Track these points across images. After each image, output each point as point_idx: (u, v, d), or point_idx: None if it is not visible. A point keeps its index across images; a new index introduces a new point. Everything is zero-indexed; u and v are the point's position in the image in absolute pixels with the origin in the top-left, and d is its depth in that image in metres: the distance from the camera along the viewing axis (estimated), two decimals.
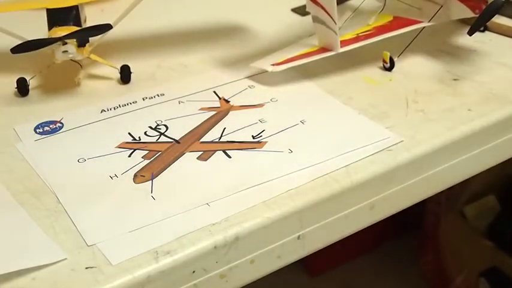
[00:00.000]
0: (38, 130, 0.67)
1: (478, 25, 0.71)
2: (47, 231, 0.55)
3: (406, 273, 1.15)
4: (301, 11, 0.85)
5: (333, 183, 0.59)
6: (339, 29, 0.71)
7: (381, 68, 0.74)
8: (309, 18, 0.76)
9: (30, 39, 0.69)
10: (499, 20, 0.79)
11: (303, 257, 0.59)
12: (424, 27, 0.74)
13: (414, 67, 0.74)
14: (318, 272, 1.20)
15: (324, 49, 0.72)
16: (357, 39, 0.73)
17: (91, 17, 0.75)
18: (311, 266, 1.20)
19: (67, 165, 0.62)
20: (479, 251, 1.03)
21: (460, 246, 1.06)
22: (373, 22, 0.76)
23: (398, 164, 0.61)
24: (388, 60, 0.73)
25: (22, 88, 0.72)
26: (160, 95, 0.72)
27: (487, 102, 0.68)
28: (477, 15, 0.70)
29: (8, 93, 0.73)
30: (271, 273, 0.58)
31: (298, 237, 0.57)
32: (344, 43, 0.72)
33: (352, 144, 0.62)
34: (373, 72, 0.74)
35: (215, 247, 0.53)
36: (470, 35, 0.71)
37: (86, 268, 0.51)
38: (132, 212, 0.56)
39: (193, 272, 0.53)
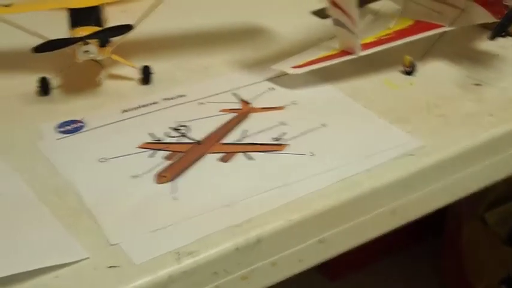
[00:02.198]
0: (59, 129, 0.67)
1: (499, 30, 0.71)
2: (69, 230, 0.55)
3: (425, 278, 1.15)
4: (321, 13, 0.85)
5: (355, 187, 0.59)
6: (360, 32, 0.71)
7: (401, 72, 0.74)
8: (329, 21, 0.76)
9: (52, 38, 0.69)
10: None
11: (324, 260, 0.59)
12: (445, 32, 0.74)
13: (435, 71, 0.74)
14: (338, 276, 1.19)
15: (344, 52, 0.72)
16: (378, 42, 0.73)
17: (112, 18, 0.75)
18: (331, 270, 1.20)
19: (89, 164, 0.62)
20: (500, 258, 1.02)
21: (480, 252, 1.06)
22: (394, 26, 0.75)
23: (420, 169, 0.61)
24: (409, 65, 0.73)
25: (44, 87, 0.72)
26: (181, 96, 0.72)
27: (508, 108, 0.68)
28: (498, 20, 0.70)
29: (30, 92, 0.73)
30: (290, 277, 0.58)
31: (320, 241, 0.57)
32: (365, 46, 0.72)
33: (374, 148, 0.62)
34: (394, 76, 0.74)
35: (237, 249, 0.53)
36: (492, 40, 0.71)
37: (109, 267, 0.52)
38: (154, 212, 0.56)
39: (215, 273, 0.53)
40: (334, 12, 0.72)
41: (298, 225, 0.56)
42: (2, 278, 0.50)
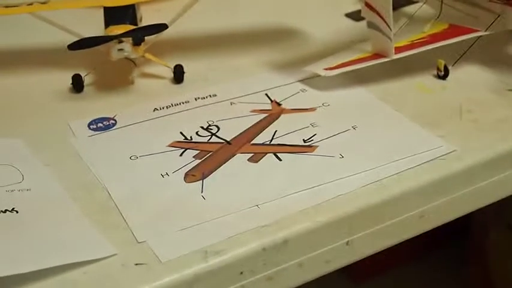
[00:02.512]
0: (91, 126, 0.68)
1: None
2: (98, 227, 0.55)
3: (450, 283, 1.14)
4: (354, 16, 0.85)
5: (384, 190, 0.58)
6: (394, 35, 0.71)
7: (434, 76, 0.73)
8: (362, 23, 0.76)
9: (86, 36, 0.70)
10: None
11: (351, 263, 0.59)
12: (479, 36, 0.73)
13: (468, 76, 0.73)
14: (363, 278, 1.19)
15: (377, 55, 0.72)
16: (411, 46, 0.72)
17: (147, 17, 0.76)
18: (355, 272, 1.19)
19: (119, 162, 0.63)
20: None
21: (506, 259, 1.05)
22: (428, 29, 0.75)
23: (451, 174, 0.61)
24: (442, 69, 0.73)
25: (77, 84, 0.73)
26: (213, 95, 0.72)
27: None
28: None
29: (63, 89, 0.74)
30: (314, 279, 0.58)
31: (347, 243, 0.57)
32: (398, 50, 0.71)
33: (404, 152, 0.62)
34: (427, 80, 0.73)
35: (264, 249, 0.53)
36: None
37: (136, 264, 0.52)
38: (182, 211, 0.57)
39: (241, 273, 0.53)
40: (368, 14, 0.72)
41: (326, 227, 0.56)
42: (30, 273, 0.50)
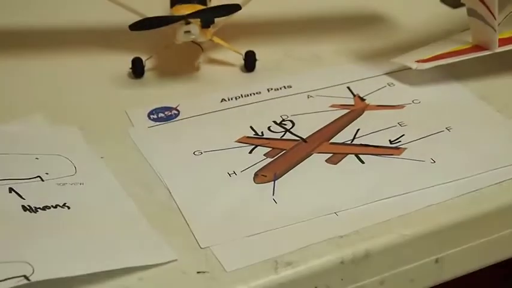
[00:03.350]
0: (152, 116, 0.69)
1: None
2: (156, 228, 0.56)
3: None
4: (452, 1, 0.85)
5: (483, 202, 0.58)
6: (498, 25, 0.70)
7: None
8: (461, 10, 0.76)
9: (150, 16, 0.71)
10: None
11: (439, 283, 0.58)
12: None
13: None
14: None
15: (478, 47, 0.72)
16: None
17: None
18: None
19: (182, 157, 0.64)
20: None
21: None
22: None
23: None
24: None
25: (137, 69, 0.74)
26: (288, 87, 0.73)
27: None
28: None
29: (122, 74, 0.75)
30: None
31: (437, 261, 0.57)
32: (502, 42, 0.71)
33: (506, 159, 0.62)
34: None
35: (342, 262, 0.54)
36: None
37: (198, 272, 0.53)
38: (250, 215, 0.57)
39: (315, 287, 0.53)
40: (469, 0, 0.71)
41: (414, 241, 0.56)
42: (80, 276, 0.51)
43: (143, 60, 0.74)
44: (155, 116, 0.69)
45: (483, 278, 0.62)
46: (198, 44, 0.75)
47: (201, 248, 0.54)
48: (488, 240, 0.59)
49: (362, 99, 0.70)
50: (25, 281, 0.50)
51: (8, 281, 0.50)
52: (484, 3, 0.70)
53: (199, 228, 0.56)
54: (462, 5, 0.74)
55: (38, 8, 0.86)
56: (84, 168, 0.62)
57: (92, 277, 0.52)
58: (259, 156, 0.63)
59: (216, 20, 0.74)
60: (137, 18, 0.71)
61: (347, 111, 0.69)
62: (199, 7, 0.72)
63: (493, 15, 0.69)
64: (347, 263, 0.54)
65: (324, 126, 0.67)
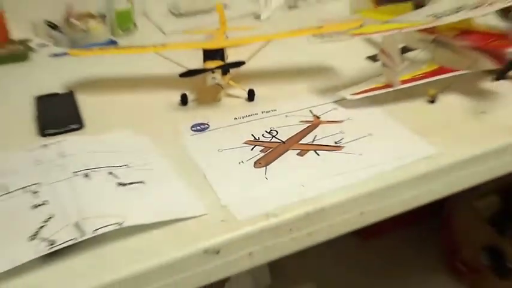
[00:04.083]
0: (193, 129, 0.68)
1: (501, 75, 0.70)
2: (196, 195, 0.57)
3: (430, 244, 1.13)
4: (373, 58, 0.84)
5: (389, 179, 0.58)
6: (400, 71, 0.71)
7: (427, 101, 0.72)
8: (378, 63, 0.76)
9: (191, 68, 0.71)
10: None
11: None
12: (461, 74, 0.72)
13: (452, 101, 0.72)
14: (370, 236, 1.17)
15: (388, 85, 0.71)
16: (413, 79, 0.72)
17: (231, 55, 0.77)
18: (365, 232, 1.15)
19: (211, 153, 0.63)
20: (483, 233, 1.01)
21: (469, 229, 1.04)
22: (425, 68, 0.74)
23: (436, 168, 0.61)
24: (432, 96, 0.72)
25: (184, 100, 0.74)
26: (273, 110, 0.72)
27: (505, 130, 0.66)
28: (500, 67, 0.69)
29: (174, 103, 0.74)
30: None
31: (361, 213, 0.58)
32: (403, 82, 0.71)
33: (403, 152, 0.62)
34: (421, 103, 0.72)
35: (307, 213, 0.54)
36: (495, 81, 0.70)
37: (221, 221, 0.54)
38: (252, 186, 0.58)
39: (290, 229, 0.54)
40: (382, 57, 0.71)
41: (347, 201, 0.56)
42: (150, 224, 0.52)
43: (187, 94, 0.74)
44: (195, 129, 0.68)
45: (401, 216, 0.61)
46: (220, 85, 0.73)
47: (222, 206, 0.55)
48: (391, 202, 0.59)
49: (318, 117, 0.70)
50: (118, 227, 0.51)
51: (109, 226, 0.51)
52: (391, 58, 0.70)
53: (221, 194, 0.56)
54: (379, 60, 0.73)
55: (127, 64, 0.84)
56: (152, 160, 0.62)
57: (157, 224, 0.53)
58: (257, 152, 0.63)
59: (231, 70, 0.73)
60: (184, 70, 0.71)
61: (309, 124, 0.68)
62: (220, 63, 0.72)
63: (397, 66, 0.69)
64: (311, 214, 0.54)
65: (295, 134, 0.66)
